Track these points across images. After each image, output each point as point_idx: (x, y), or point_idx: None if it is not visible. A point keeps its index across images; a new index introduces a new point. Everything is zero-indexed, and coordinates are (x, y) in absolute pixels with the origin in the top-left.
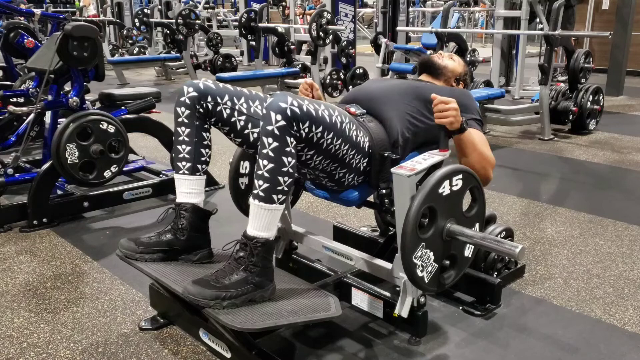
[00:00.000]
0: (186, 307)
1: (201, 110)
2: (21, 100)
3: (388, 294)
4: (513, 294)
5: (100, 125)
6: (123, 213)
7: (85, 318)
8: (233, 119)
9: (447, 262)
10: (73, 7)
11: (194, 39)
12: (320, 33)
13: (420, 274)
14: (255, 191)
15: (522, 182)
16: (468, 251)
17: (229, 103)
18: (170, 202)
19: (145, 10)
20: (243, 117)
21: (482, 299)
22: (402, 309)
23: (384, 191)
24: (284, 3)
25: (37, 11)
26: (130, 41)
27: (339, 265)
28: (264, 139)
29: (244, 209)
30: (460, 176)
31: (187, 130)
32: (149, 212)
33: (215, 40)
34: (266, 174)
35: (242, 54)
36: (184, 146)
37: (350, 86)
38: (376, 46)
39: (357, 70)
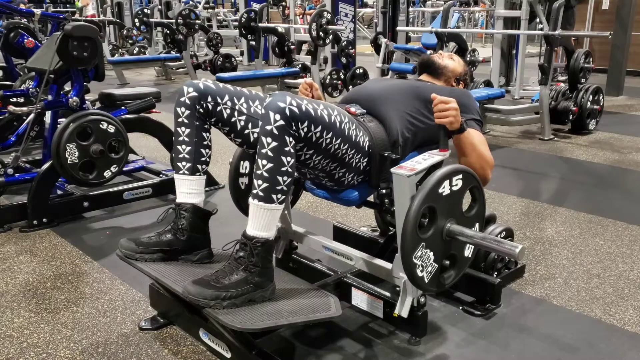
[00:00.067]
0: (186, 307)
1: (201, 110)
2: (21, 100)
3: (388, 294)
4: (513, 294)
5: (100, 125)
6: (123, 213)
7: (85, 318)
8: (233, 119)
9: (447, 262)
10: (73, 7)
11: (194, 39)
12: (320, 33)
13: (420, 274)
14: (254, 191)
15: (522, 182)
16: (468, 251)
17: (229, 103)
18: (170, 202)
19: (145, 10)
20: (243, 117)
21: (482, 299)
22: (402, 309)
23: (384, 191)
24: (284, 3)
25: (37, 11)
26: (130, 41)
27: (339, 265)
28: (263, 138)
29: (244, 209)
30: (460, 176)
31: (187, 131)
32: (149, 212)
33: (215, 40)
34: (265, 174)
35: (242, 54)
36: (184, 146)
37: (350, 86)
38: (376, 46)
39: (357, 70)
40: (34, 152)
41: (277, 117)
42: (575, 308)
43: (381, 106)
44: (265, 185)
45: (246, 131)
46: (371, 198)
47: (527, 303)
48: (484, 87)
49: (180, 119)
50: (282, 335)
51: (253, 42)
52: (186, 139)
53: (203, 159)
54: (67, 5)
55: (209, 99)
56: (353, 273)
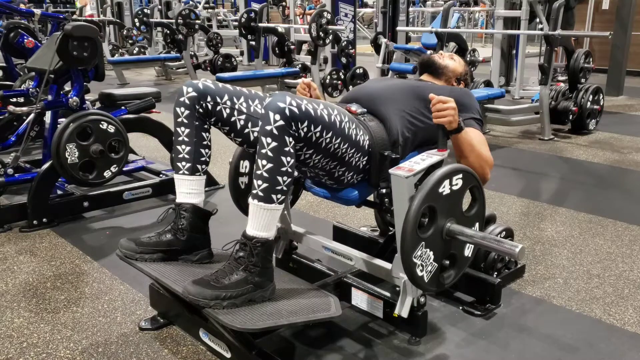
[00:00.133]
0: (186, 307)
1: (200, 110)
2: (21, 100)
3: (388, 294)
4: (513, 294)
5: (100, 125)
6: (123, 213)
7: (85, 318)
8: (233, 119)
9: (447, 262)
10: (73, 7)
11: (194, 39)
12: (320, 33)
13: (420, 274)
14: (254, 191)
15: (522, 182)
16: (468, 251)
17: (228, 103)
18: (170, 202)
19: (145, 10)
20: (243, 117)
21: (482, 299)
22: (402, 309)
23: (383, 191)
24: (284, 3)
25: (37, 11)
26: (130, 41)
27: (339, 265)
28: (263, 138)
29: (244, 209)
30: (460, 175)
31: (187, 131)
32: (149, 212)
33: (215, 40)
34: (265, 174)
35: (242, 54)
36: (183, 146)
37: (350, 86)
38: (376, 46)
39: (357, 70)
40: (34, 152)
41: (277, 117)
42: (575, 308)
43: (381, 105)
44: (265, 185)
45: (246, 130)
46: (371, 198)
47: (527, 303)
48: (484, 87)
49: (179, 119)
50: (282, 335)
51: (253, 42)
52: (186, 139)
53: (203, 159)
54: (67, 5)
55: (209, 98)
56: (353, 273)
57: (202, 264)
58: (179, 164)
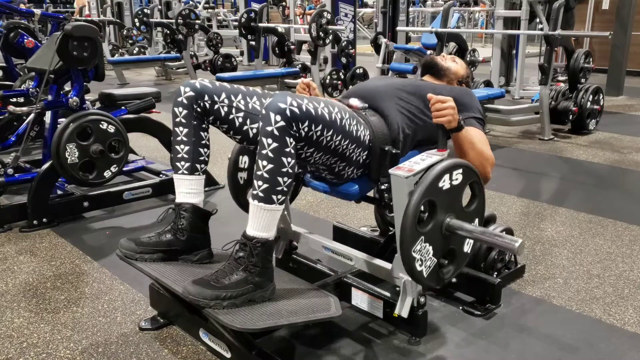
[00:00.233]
0: (186, 307)
1: (198, 109)
2: (21, 100)
3: (388, 294)
4: (513, 294)
5: (100, 125)
6: (123, 213)
7: (85, 318)
8: (231, 117)
9: (446, 257)
10: (73, 7)
11: (194, 39)
12: (320, 33)
13: (419, 268)
14: (254, 191)
15: (522, 182)
16: (467, 247)
17: (226, 101)
18: (170, 202)
19: (145, 10)
20: (241, 114)
21: (482, 299)
22: (402, 309)
23: (383, 186)
24: (284, 3)
25: (37, 11)
26: (130, 41)
27: (339, 265)
28: (264, 139)
29: (243, 205)
30: (461, 170)
31: (185, 130)
32: (149, 212)
33: (215, 40)
34: (266, 175)
35: (242, 54)
36: (182, 146)
37: (350, 86)
38: (376, 46)
39: (357, 70)
40: (34, 152)
41: (278, 118)
42: (575, 308)
43: (382, 102)
44: (265, 186)
45: (245, 127)
46: (371, 194)
47: (527, 303)
48: (484, 87)
49: (178, 119)
50: (282, 335)
51: (253, 42)
52: (184, 139)
53: (202, 158)
54: (67, 5)
55: (206, 97)
56: (353, 273)
57: (202, 264)
58: (177, 164)
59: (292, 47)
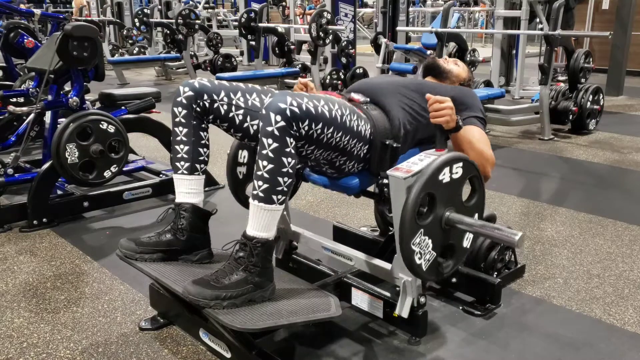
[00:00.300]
0: (186, 307)
1: (198, 109)
2: (21, 100)
3: (388, 294)
4: (513, 294)
5: (100, 125)
6: (123, 213)
7: (85, 318)
8: (231, 114)
9: (446, 251)
10: (72, 7)
11: (194, 39)
12: (320, 33)
13: (418, 262)
14: (254, 192)
15: (522, 182)
16: (466, 242)
17: (225, 99)
18: (170, 202)
19: (145, 10)
20: (241, 111)
21: (482, 299)
22: (402, 310)
23: (384, 181)
24: (284, 3)
25: (37, 11)
26: (130, 41)
27: (339, 265)
28: (264, 139)
29: (242, 200)
30: (461, 164)
31: (185, 130)
32: (149, 212)
33: (215, 40)
34: (266, 175)
35: (242, 54)
36: (182, 146)
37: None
38: (376, 46)
39: (357, 70)
40: (34, 152)
41: (278, 118)
42: (575, 308)
43: (385, 97)
44: (265, 186)
45: (245, 124)
46: (371, 189)
47: (527, 303)
48: (484, 87)
49: (177, 119)
50: (282, 335)
51: (253, 42)
52: (184, 139)
53: (201, 158)
54: (67, 5)
55: (205, 97)
56: (353, 273)
57: (202, 264)
58: (177, 164)
59: (292, 47)
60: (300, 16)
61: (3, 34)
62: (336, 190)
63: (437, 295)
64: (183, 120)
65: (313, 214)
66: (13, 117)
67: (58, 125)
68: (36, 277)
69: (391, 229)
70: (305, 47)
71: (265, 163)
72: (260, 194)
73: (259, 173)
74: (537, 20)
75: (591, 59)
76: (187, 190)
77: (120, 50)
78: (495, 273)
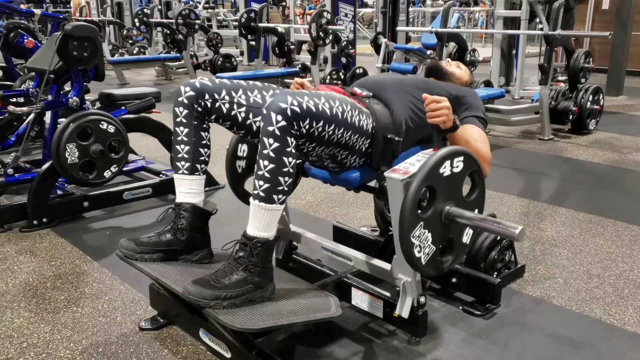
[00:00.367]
0: (186, 307)
1: (199, 109)
2: (21, 100)
3: (388, 294)
4: (513, 294)
5: (100, 125)
6: (123, 213)
7: (85, 318)
8: (233, 112)
9: (445, 246)
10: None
11: (194, 39)
12: (320, 33)
13: (417, 255)
14: (255, 191)
15: (522, 182)
16: (466, 237)
17: (227, 97)
18: (170, 202)
19: (145, 10)
20: (243, 109)
21: (482, 299)
22: (403, 310)
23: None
24: (284, 3)
25: (37, 11)
26: (130, 41)
27: (339, 265)
28: (265, 139)
29: (240, 194)
30: (462, 158)
31: (186, 130)
32: (149, 212)
33: (215, 40)
34: (267, 174)
35: (242, 54)
36: (182, 146)
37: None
38: (376, 46)
39: (357, 70)
40: (34, 152)
41: (279, 117)
42: (575, 308)
43: (389, 93)
44: (266, 186)
45: (248, 122)
46: (371, 184)
47: (527, 303)
48: (484, 87)
49: (178, 119)
50: (282, 335)
51: (253, 42)
52: (185, 139)
53: (202, 158)
54: (67, 5)
55: (207, 96)
56: (353, 273)
57: (202, 264)
58: (178, 164)
59: (292, 47)
60: (300, 16)
61: (3, 34)
62: (336, 183)
63: (437, 295)
64: (184, 120)
65: (313, 214)
66: (13, 117)
67: (58, 125)
68: (36, 277)
69: (391, 229)
70: (305, 47)
71: (266, 163)
72: (261, 194)
73: (260, 173)
74: (537, 20)
75: (591, 59)
76: (188, 190)
77: (120, 50)
78: (495, 273)
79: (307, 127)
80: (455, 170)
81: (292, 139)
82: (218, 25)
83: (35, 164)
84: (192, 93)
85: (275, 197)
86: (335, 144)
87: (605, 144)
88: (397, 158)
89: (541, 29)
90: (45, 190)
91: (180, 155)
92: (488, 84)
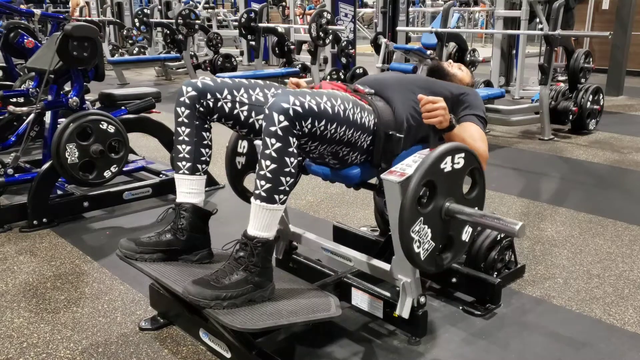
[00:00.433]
0: (186, 307)
1: (201, 109)
2: (21, 100)
3: (388, 294)
4: (513, 294)
5: (100, 125)
6: (123, 213)
7: (85, 318)
8: (235, 112)
9: (445, 243)
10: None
11: (194, 39)
12: (320, 33)
13: (416, 250)
14: (256, 191)
15: (522, 182)
16: (465, 235)
17: (229, 97)
18: (170, 202)
19: (145, 10)
20: (245, 107)
21: (482, 299)
22: (403, 310)
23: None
24: (284, 3)
25: (37, 11)
26: (130, 41)
27: (339, 265)
28: (267, 139)
29: (239, 191)
30: (463, 155)
31: (187, 130)
32: (149, 212)
33: (215, 40)
34: (268, 174)
35: (242, 54)
36: (184, 146)
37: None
38: (376, 46)
39: (357, 70)
40: (34, 152)
41: (282, 118)
42: (575, 308)
43: (392, 92)
44: (268, 185)
45: (250, 120)
46: (372, 181)
47: (527, 303)
48: (484, 87)
49: (180, 119)
50: (282, 335)
51: (253, 42)
52: (186, 139)
53: (203, 158)
54: (67, 6)
55: (209, 96)
56: (353, 273)
57: (202, 264)
58: (179, 164)
59: (292, 47)
60: (300, 16)
61: (3, 34)
62: (337, 180)
63: (437, 295)
64: (186, 120)
65: (313, 214)
66: (13, 117)
67: (58, 125)
68: (36, 277)
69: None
70: (305, 47)
71: (268, 163)
72: (263, 194)
73: (262, 172)
74: (537, 20)
75: (591, 59)
76: (188, 190)
77: (120, 50)
78: (495, 273)
79: (309, 126)
80: (456, 166)
81: (294, 139)
82: (218, 25)
83: (35, 164)
84: (194, 93)
85: (276, 197)
86: (337, 142)
87: (605, 144)
88: (398, 156)
89: (541, 29)
90: (45, 190)
91: (181, 155)
92: (488, 84)
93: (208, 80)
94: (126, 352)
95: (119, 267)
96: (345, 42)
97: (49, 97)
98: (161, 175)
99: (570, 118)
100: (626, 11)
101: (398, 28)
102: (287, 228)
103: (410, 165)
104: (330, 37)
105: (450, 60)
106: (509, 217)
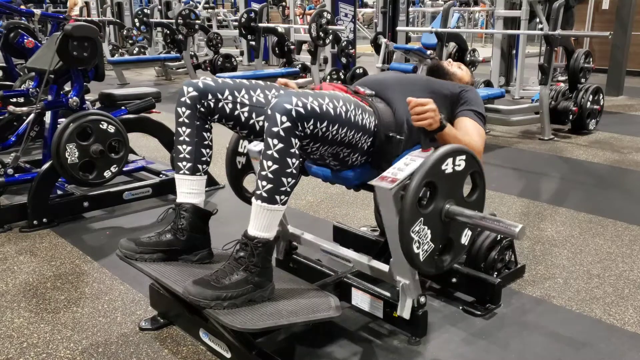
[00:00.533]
0: (186, 307)
1: (202, 109)
2: (21, 100)
3: (388, 294)
4: (513, 294)
5: (100, 125)
6: (123, 213)
7: (85, 318)
8: (236, 112)
9: (444, 245)
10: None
11: (194, 39)
12: (320, 33)
13: (416, 250)
14: (258, 191)
15: (522, 182)
16: (465, 238)
17: (230, 97)
18: (170, 202)
19: (145, 10)
20: (246, 109)
21: (482, 299)
22: (403, 311)
23: None
24: (284, 3)
25: (37, 11)
26: (130, 41)
27: (339, 265)
28: (269, 140)
29: (238, 190)
30: (464, 157)
31: (188, 130)
32: (149, 212)
33: (215, 40)
34: (270, 175)
35: (242, 54)
36: (184, 146)
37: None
38: (376, 46)
39: (357, 70)
40: (34, 152)
41: (284, 118)
42: (575, 308)
43: (391, 93)
44: (269, 186)
45: (251, 121)
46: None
47: (527, 303)
48: (484, 87)
49: (181, 119)
50: (282, 335)
51: (253, 42)
52: (187, 139)
53: (204, 158)
54: (67, 6)
55: (210, 96)
56: (353, 273)
57: (202, 264)
58: (179, 164)
59: (292, 47)
60: (300, 16)
61: (3, 34)
62: (336, 182)
63: (437, 295)
64: (187, 121)
65: (313, 214)
66: (13, 117)
67: (58, 125)
68: (36, 277)
69: None
70: (305, 47)
71: (270, 163)
72: (264, 194)
73: (263, 173)
74: (537, 20)
75: (591, 59)
76: (189, 190)
77: (120, 50)
78: (495, 273)
79: (311, 127)
80: (457, 168)
81: (296, 140)
82: (218, 25)
83: (35, 164)
84: (195, 93)
85: (277, 197)
86: (338, 143)
87: (605, 144)
88: (399, 157)
89: (541, 29)
90: (45, 190)
91: (182, 156)
92: (488, 84)
93: (209, 80)
94: (126, 352)
95: (119, 267)
96: (345, 42)
97: (49, 97)
98: (161, 175)
99: (570, 118)
100: (626, 11)
101: (398, 28)
102: (286, 228)
103: (402, 169)
104: (330, 37)
105: (450, 60)
106: (509, 217)
